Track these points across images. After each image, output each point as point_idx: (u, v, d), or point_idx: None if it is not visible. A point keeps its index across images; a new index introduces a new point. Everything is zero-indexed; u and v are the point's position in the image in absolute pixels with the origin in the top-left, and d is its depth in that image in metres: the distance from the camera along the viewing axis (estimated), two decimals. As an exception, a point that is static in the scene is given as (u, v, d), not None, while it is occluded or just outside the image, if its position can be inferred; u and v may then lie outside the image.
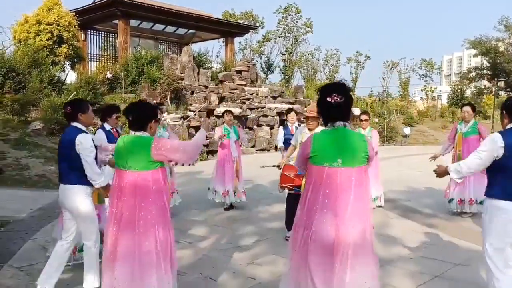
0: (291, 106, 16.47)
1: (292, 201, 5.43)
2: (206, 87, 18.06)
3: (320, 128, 5.49)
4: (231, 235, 5.79)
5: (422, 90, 33.92)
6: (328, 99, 2.72)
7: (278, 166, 5.74)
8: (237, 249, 5.20)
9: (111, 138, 5.08)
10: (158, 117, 3.50)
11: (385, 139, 23.10)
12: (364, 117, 7.46)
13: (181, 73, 17.97)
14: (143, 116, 3.28)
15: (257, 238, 5.69)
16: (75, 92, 14.23)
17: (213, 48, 63.56)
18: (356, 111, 22.69)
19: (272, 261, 4.84)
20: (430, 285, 4.15)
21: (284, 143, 6.74)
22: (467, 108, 7.00)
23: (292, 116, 6.89)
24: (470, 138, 6.76)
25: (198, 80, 18.20)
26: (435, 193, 8.20)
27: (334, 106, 2.72)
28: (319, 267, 2.65)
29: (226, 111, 7.79)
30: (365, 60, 32.09)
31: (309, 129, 5.23)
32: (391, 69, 32.63)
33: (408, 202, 7.97)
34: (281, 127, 7.25)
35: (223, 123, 7.91)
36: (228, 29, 23.45)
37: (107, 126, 5.29)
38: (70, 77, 17.89)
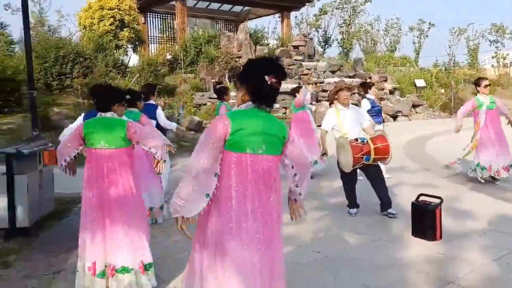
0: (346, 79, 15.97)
1: (349, 176, 5.36)
2: (264, 63, 17.97)
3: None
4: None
5: (493, 57, 31.64)
6: (266, 78, 2.37)
7: (324, 154, 5.70)
8: (301, 223, 5.19)
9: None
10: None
11: (452, 110, 21.95)
12: (485, 82, 6.91)
13: (238, 51, 18.00)
14: (105, 98, 3.58)
15: (321, 213, 5.66)
16: (137, 75, 14.74)
17: (269, 24, 62.98)
18: (419, 82, 21.67)
19: (336, 235, 4.80)
20: (505, 259, 3.93)
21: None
22: None
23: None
24: None
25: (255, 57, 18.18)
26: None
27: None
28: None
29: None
30: (429, 28, 30.34)
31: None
32: (458, 36, 30.67)
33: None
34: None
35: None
36: (284, 4, 23.02)
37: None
38: (133, 60, 18.52)
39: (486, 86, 6.82)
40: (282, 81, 2.43)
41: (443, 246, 4.23)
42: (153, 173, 4.33)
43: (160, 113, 6.06)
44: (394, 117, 18.27)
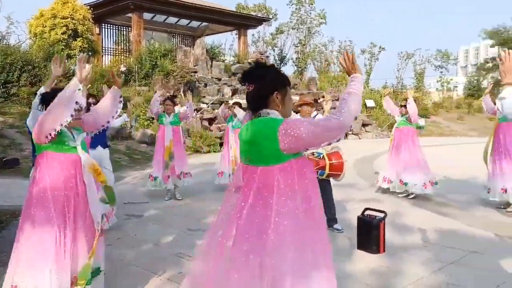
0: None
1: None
2: (219, 79, 18.07)
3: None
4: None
5: (437, 81, 33.45)
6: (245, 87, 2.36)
7: None
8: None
9: None
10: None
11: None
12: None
13: (194, 66, 18.01)
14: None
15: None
16: (89, 85, 14.38)
17: (226, 41, 63.48)
18: (369, 102, 22.54)
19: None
20: (444, 272, 4.13)
21: None
22: None
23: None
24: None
25: (211, 73, 18.22)
26: (448, 182, 8.13)
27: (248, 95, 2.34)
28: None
29: (235, 103, 8.33)
30: (379, 51, 31.71)
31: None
32: (405, 60, 32.22)
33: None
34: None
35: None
36: (241, 21, 23.40)
37: None
38: (85, 70, 18.06)
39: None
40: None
41: (387, 259, 4.39)
42: None
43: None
44: (345, 135, 18.83)
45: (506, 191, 6.33)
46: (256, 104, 2.31)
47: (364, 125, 20.26)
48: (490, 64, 40.70)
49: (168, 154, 7.05)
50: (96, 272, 3.11)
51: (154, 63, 17.77)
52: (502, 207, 6.54)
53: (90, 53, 17.67)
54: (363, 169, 10.83)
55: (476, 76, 39.02)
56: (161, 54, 18.04)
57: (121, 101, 3.47)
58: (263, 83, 2.29)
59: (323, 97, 19.54)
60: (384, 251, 4.15)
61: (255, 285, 2.13)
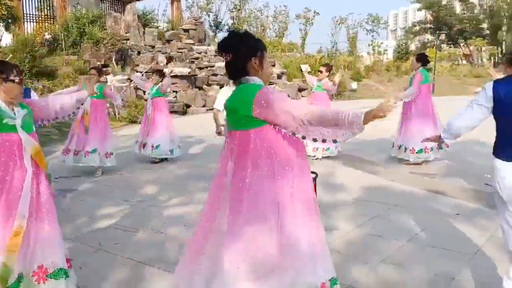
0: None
1: None
2: (153, 47, 17.57)
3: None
4: (183, 192, 5.89)
5: (369, 45, 34.55)
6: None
7: (219, 133, 5.79)
8: (189, 204, 5.32)
9: None
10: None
11: (333, 94, 23.56)
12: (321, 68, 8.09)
13: (126, 33, 17.35)
14: None
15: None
16: (10, 55, 13.45)
17: (159, 7, 61.24)
18: (303, 67, 22.94)
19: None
20: (368, 224, 4.48)
21: None
22: (412, 58, 7.61)
23: None
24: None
25: (144, 40, 17.66)
26: (379, 142, 8.62)
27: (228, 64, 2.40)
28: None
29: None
30: (314, 16, 32.10)
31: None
32: (339, 25, 32.89)
33: (354, 152, 8.34)
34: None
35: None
36: (173, -14, 22.66)
37: None
38: (6, 39, 16.82)
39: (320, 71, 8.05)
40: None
41: (317, 216, 4.67)
42: None
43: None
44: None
45: (405, 149, 6.94)
46: (236, 73, 2.38)
47: (300, 90, 20.65)
48: (418, 28, 42.58)
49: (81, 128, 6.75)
50: (19, 279, 2.65)
51: (82, 30, 16.87)
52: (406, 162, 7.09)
53: (9, 20, 16.43)
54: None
55: (405, 39, 40.73)
56: (89, 21, 17.13)
57: (82, 104, 3.34)
58: (240, 51, 2.33)
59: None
60: (316, 210, 4.45)
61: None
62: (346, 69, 25.29)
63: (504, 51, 33.32)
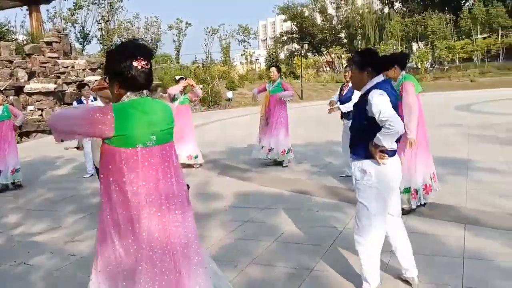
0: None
1: None
2: (11, 61, 16.14)
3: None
4: (51, 217, 5.58)
5: (242, 55, 35.86)
6: (135, 63, 2.27)
7: (78, 147, 5.67)
8: (56, 230, 5.07)
9: None
10: None
11: (210, 104, 24.02)
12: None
13: (-23, 47, 15.65)
14: None
15: (79, 215, 5.60)
16: None
17: (16, 18, 56.13)
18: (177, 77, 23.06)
19: (94, 235, 4.86)
20: (240, 229, 4.73)
21: None
22: (273, 69, 7.93)
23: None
24: (276, 95, 7.65)
25: (0, 55, 16.13)
26: (251, 150, 9.07)
27: (142, 72, 2.29)
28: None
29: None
30: (187, 27, 32.37)
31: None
32: (212, 35, 33.62)
33: (227, 161, 8.68)
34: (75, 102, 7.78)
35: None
36: (30, -5, 21.00)
37: None
38: None
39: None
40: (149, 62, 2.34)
41: (192, 227, 4.79)
42: None
43: None
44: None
45: (270, 150, 7.67)
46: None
47: (176, 101, 20.69)
48: (285, 37, 45.40)
49: None
50: None
51: None
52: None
53: None
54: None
55: (274, 48, 43.14)
56: None
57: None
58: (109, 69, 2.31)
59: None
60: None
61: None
62: (221, 79, 25.91)
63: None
